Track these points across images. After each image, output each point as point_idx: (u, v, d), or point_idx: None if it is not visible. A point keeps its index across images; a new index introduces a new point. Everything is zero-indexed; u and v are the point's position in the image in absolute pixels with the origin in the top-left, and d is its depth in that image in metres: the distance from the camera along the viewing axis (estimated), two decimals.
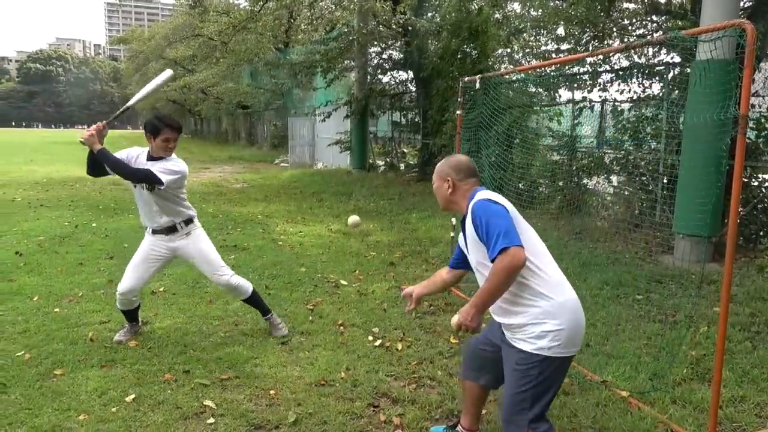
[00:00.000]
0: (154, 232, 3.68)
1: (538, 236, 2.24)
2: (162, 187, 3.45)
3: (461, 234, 2.39)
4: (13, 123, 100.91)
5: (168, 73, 3.83)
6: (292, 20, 19.60)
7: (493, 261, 2.02)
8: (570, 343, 2.11)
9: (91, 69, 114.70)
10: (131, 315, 3.84)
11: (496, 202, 2.16)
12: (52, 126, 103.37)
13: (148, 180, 3.43)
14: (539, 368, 2.10)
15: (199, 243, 3.75)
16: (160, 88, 3.87)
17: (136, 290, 3.70)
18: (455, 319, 2.15)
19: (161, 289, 4.95)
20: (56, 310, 4.36)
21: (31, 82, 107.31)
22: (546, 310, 2.09)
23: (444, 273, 2.62)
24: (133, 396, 3.02)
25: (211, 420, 2.83)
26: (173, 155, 3.58)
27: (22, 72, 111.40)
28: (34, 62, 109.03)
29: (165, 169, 3.44)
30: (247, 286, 3.87)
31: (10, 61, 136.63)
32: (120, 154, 3.51)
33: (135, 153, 3.57)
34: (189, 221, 3.73)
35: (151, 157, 3.52)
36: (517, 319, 2.15)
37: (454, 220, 5.30)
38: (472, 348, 2.53)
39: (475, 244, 2.19)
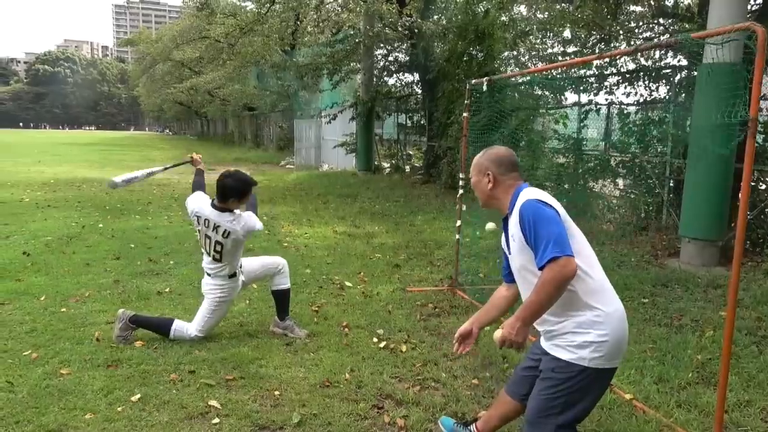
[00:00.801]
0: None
1: (585, 238, 2.10)
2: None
3: (503, 235, 2.23)
4: (21, 124, 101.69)
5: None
6: (298, 22, 19.65)
7: (541, 269, 1.87)
8: (613, 355, 1.99)
9: (99, 71, 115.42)
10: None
11: (547, 204, 2.00)
12: (60, 127, 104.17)
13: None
14: (576, 378, 1.98)
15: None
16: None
17: None
18: (498, 333, 1.94)
19: (167, 290, 4.98)
20: (63, 309, 4.38)
21: (39, 84, 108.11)
22: (591, 320, 1.97)
23: (503, 291, 2.38)
24: (138, 395, 3.03)
25: (216, 420, 2.83)
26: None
27: (30, 73, 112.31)
28: (42, 63, 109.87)
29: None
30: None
31: (19, 62, 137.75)
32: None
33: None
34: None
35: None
36: (557, 326, 2.04)
37: (459, 222, 5.29)
38: (519, 375, 2.35)
39: (521, 247, 2.04)
